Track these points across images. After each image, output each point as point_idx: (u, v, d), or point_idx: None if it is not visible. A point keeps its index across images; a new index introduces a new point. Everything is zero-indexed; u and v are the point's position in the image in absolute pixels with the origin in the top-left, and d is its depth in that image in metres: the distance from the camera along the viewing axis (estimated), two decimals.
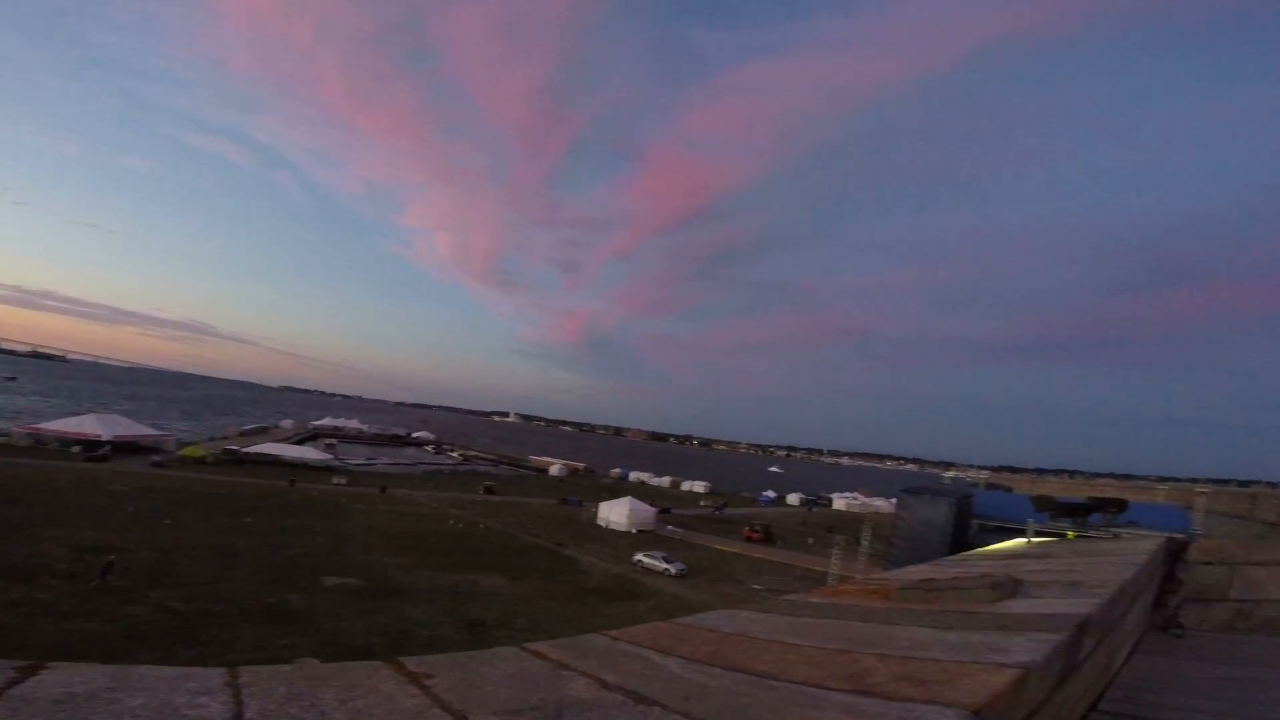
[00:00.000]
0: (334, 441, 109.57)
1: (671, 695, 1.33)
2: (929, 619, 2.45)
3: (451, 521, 49.68)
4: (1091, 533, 8.30)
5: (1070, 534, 8.26)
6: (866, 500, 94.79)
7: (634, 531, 55.06)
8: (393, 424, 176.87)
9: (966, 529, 20.95)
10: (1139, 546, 6.11)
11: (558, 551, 44.09)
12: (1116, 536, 7.55)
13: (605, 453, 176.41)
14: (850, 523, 61.61)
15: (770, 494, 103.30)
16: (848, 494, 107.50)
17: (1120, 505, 9.61)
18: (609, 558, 44.26)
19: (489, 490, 72.80)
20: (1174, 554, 7.30)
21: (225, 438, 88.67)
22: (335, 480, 64.53)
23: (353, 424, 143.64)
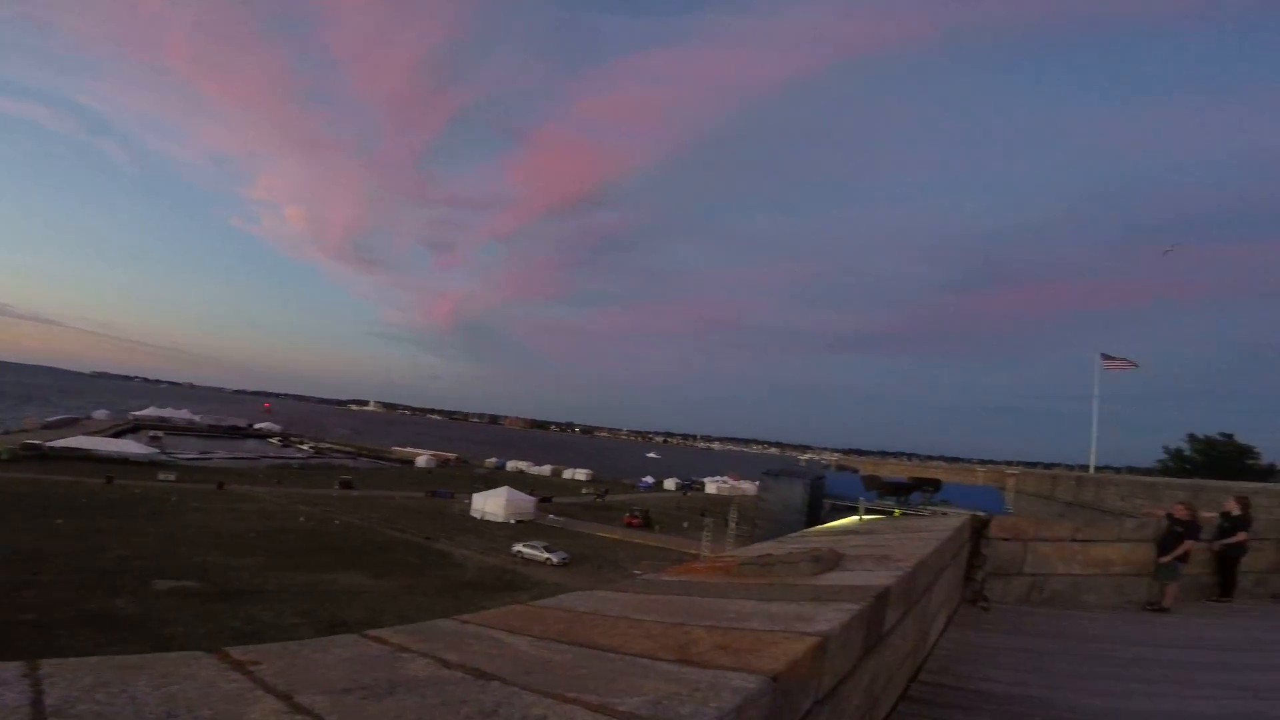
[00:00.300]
0: (160, 434, 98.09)
1: (514, 670, 1.42)
2: (758, 592, 2.74)
3: (302, 519, 46.26)
4: (912, 510, 9.31)
5: (897, 511, 9.23)
6: (735, 484, 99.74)
7: (512, 522, 54.25)
8: (231, 414, 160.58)
9: (820, 508, 22.83)
10: (946, 524, 6.71)
11: (428, 546, 42.49)
12: (932, 514, 8.44)
13: (480, 442, 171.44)
14: (721, 506, 64.75)
15: (649, 480, 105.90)
16: (718, 478, 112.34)
17: (936, 485, 10.88)
18: (485, 550, 43.35)
19: (346, 485, 68.66)
20: (978, 531, 7.92)
21: (24, 430, 76.36)
22: (162, 476, 57.98)
23: (182, 414, 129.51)
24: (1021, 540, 8.29)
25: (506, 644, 1.74)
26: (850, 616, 2.19)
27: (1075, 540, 8.49)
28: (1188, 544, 7.96)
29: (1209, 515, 8.72)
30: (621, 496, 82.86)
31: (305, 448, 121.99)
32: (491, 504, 56.74)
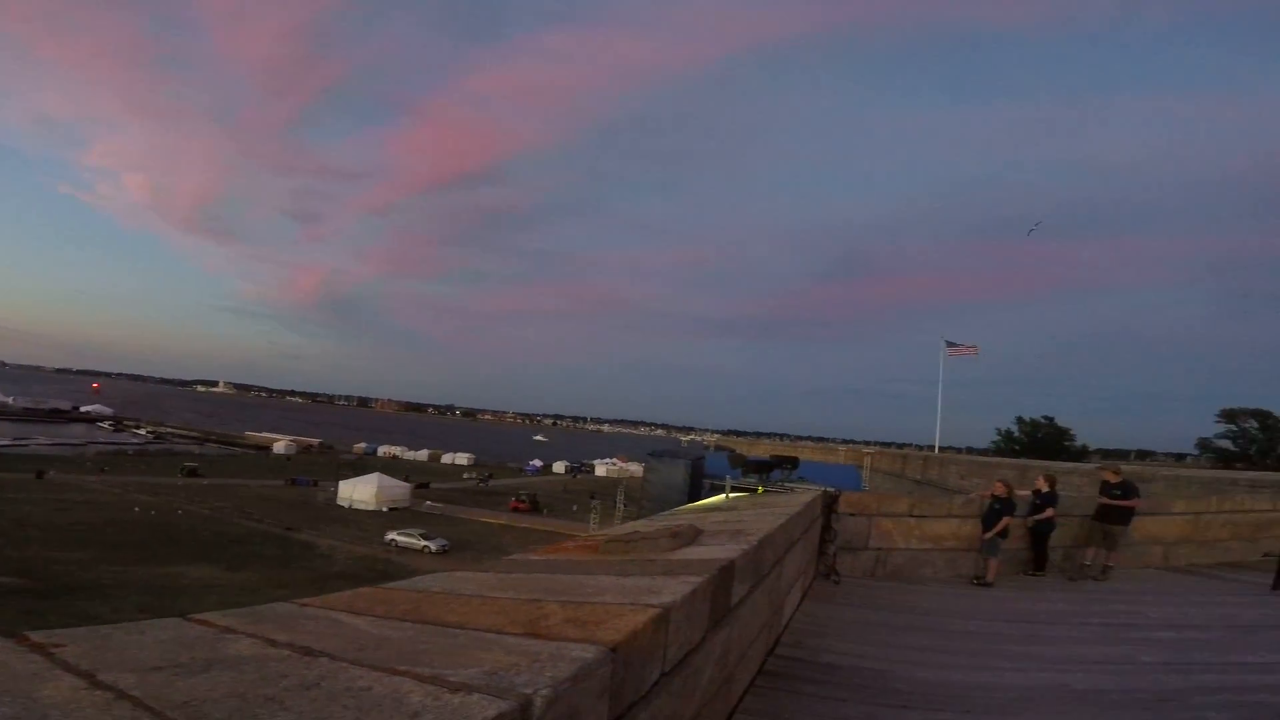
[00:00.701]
0: None
1: (345, 648, 1.41)
2: (619, 568, 2.86)
3: (138, 509, 41.58)
4: (773, 487, 9.74)
5: (760, 489, 9.62)
6: (624, 465, 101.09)
7: (385, 510, 51.83)
8: (53, 395, 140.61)
9: (700, 487, 23.69)
10: (798, 499, 6.92)
11: (289, 537, 39.69)
12: (790, 490, 8.81)
13: (347, 427, 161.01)
14: (610, 488, 65.45)
15: (537, 463, 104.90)
16: (608, 460, 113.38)
17: (794, 462, 11.58)
18: (355, 539, 41.20)
19: (191, 472, 62.83)
20: (829, 507, 8.17)
21: None
22: None
23: None
24: (866, 515, 8.65)
25: (345, 624, 1.71)
26: (692, 589, 2.30)
27: (912, 516, 8.83)
28: (1005, 520, 8.46)
29: (1023, 493, 9.22)
30: (507, 481, 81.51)
31: (142, 432, 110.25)
32: (361, 491, 53.89)
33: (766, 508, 5.73)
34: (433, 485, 68.37)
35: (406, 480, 62.62)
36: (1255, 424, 46.78)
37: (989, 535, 8.42)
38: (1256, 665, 5.29)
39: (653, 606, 2.01)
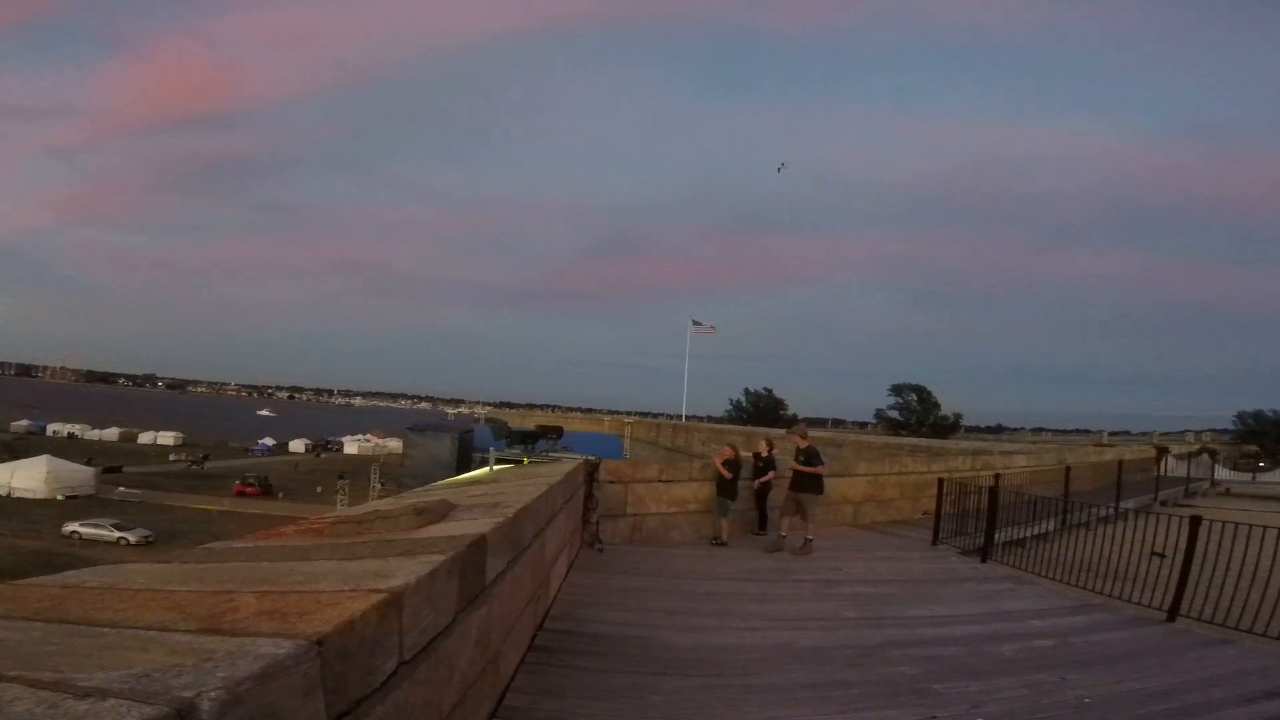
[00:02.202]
0: None
1: None
2: (346, 550, 2.49)
3: None
4: (539, 458, 9.72)
5: (526, 460, 9.51)
6: (380, 441, 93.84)
7: (60, 498, 41.96)
8: None
9: (469, 461, 22.87)
10: (560, 469, 6.90)
11: None
12: (556, 460, 8.81)
13: (2, 400, 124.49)
14: (364, 466, 60.22)
15: (269, 442, 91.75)
16: (361, 436, 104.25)
17: (559, 432, 11.72)
18: (20, 533, 33.23)
19: None
20: (590, 475, 8.28)
21: None
22: None
23: None
24: (623, 482, 8.92)
25: None
26: (431, 569, 2.09)
27: (661, 481, 9.20)
28: (771, 474, 9.28)
29: (747, 454, 9.79)
30: (231, 463, 70.25)
31: None
32: (24, 477, 42.86)
33: (529, 478, 5.60)
34: (126, 469, 56.26)
35: (90, 464, 50.72)
36: (915, 398, 60.15)
37: (757, 486, 9.42)
38: (929, 619, 6.01)
39: (379, 591, 1.78)
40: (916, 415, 58.85)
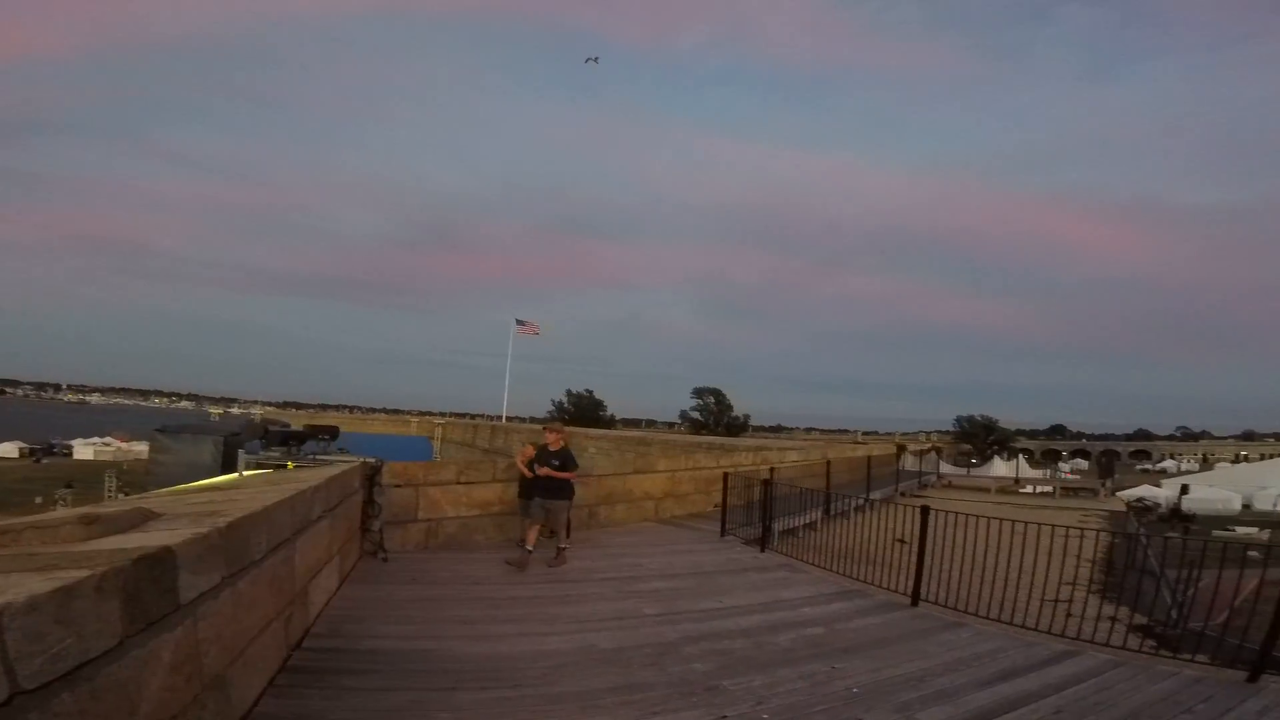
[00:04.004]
0: None
1: None
2: None
3: None
4: (307, 461, 8.75)
5: (290, 464, 8.52)
6: (125, 445, 78.42)
7: None
8: None
9: (234, 470, 20.02)
10: (321, 473, 6.25)
11: None
12: (326, 464, 7.95)
13: None
14: (99, 473, 49.70)
15: None
16: (97, 439, 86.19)
17: (333, 432, 10.63)
18: None
19: None
20: (370, 478, 7.63)
21: None
22: None
23: None
24: (413, 486, 8.37)
25: None
26: (59, 586, 1.76)
27: (460, 483, 8.75)
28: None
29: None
30: None
31: None
32: None
33: (284, 484, 4.97)
34: None
35: None
36: (713, 399, 65.47)
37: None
38: (719, 611, 6.27)
39: None
40: (714, 415, 64.17)
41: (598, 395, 70.17)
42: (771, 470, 10.54)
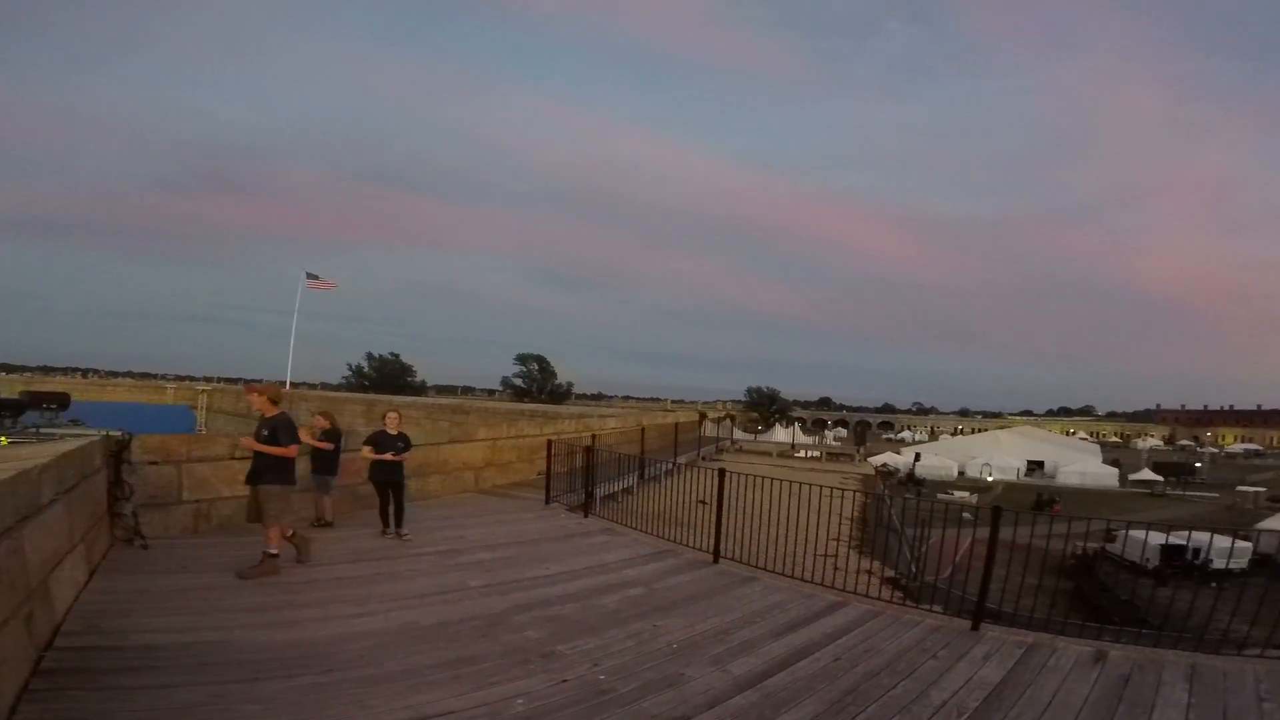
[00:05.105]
0: None
1: None
2: None
3: None
4: (25, 436, 7.23)
5: (3, 440, 6.93)
6: None
7: None
8: None
9: None
10: (47, 450, 5.27)
11: None
12: (54, 439, 6.61)
13: None
14: None
15: None
16: None
17: (62, 400, 8.88)
18: None
19: None
20: (116, 455, 6.62)
21: None
22: None
23: None
24: (175, 463, 7.30)
25: None
26: None
27: (237, 459, 7.57)
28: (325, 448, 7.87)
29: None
30: None
31: None
32: None
33: None
34: None
35: None
36: (537, 367, 65.10)
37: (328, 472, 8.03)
38: (547, 577, 6.35)
39: None
40: (537, 383, 63.96)
41: (405, 359, 65.78)
42: (594, 437, 10.83)
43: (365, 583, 5.96)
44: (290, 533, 6.40)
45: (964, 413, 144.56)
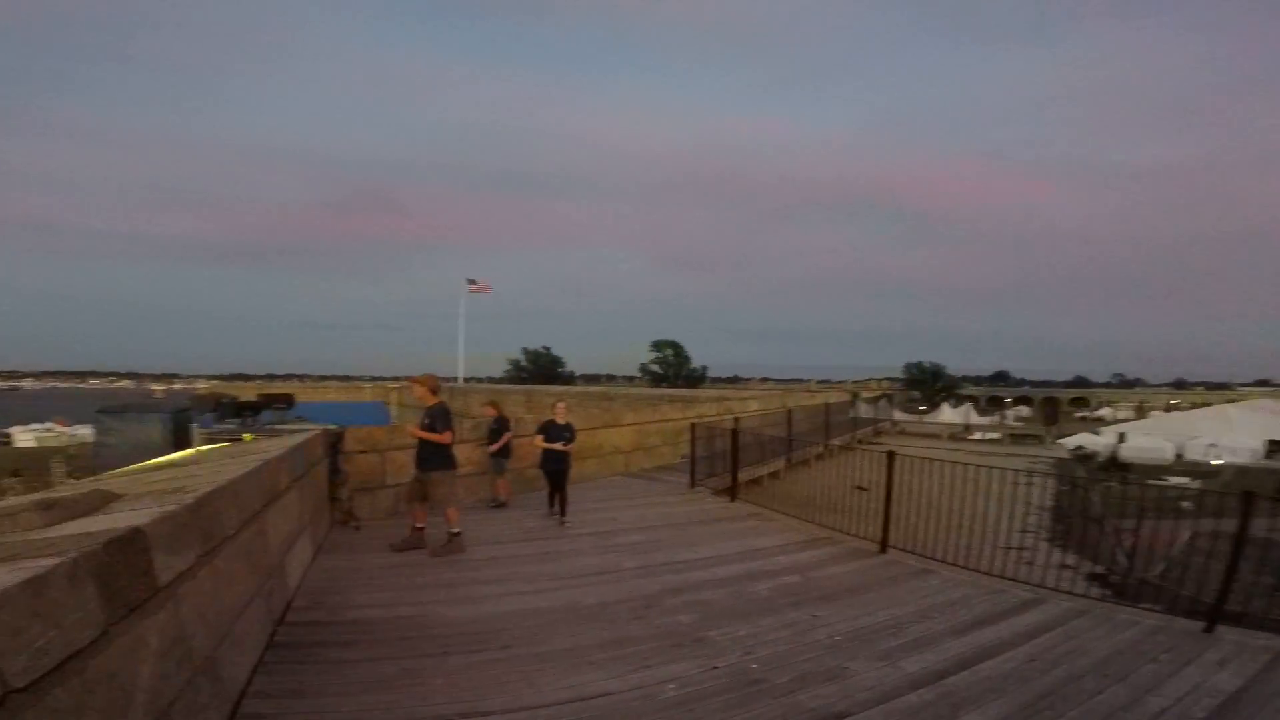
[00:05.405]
0: None
1: None
2: None
3: None
4: (265, 431, 8.53)
5: (248, 436, 8.26)
6: (66, 429, 74.36)
7: None
8: None
9: (188, 445, 19.28)
10: (281, 442, 6.04)
11: None
12: (285, 433, 7.74)
13: None
14: (45, 459, 47.05)
15: None
16: (37, 425, 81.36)
17: (289, 401, 10.36)
18: None
19: None
20: (333, 446, 7.40)
21: None
22: None
23: None
24: (378, 451, 8.18)
25: None
26: (27, 578, 1.65)
27: None
28: (506, 437, 8.74)
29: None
30: None
31: None
32: None
33: (246, 455, 4.81)
34: None
35: None
36: (672, 352, 65.83)
37: (493, 450, 8.76)
38: (697, 561, 6.37)
39: None
40: (673, 369, 64.67)
41: (555, 352, 69.57)
42: (736, 420, 10.70)
43: (535, 560, 6.35)
44: (458, 530, 6.67)
45: (1180, 384, 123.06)
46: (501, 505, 8.82)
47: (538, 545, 7.00)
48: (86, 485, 3.53)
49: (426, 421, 6.62)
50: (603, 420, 12.88)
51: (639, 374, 69.09)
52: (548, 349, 69.61)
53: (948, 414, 45.42)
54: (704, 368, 68.52)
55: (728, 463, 10.04)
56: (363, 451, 8.02)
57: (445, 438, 6.61)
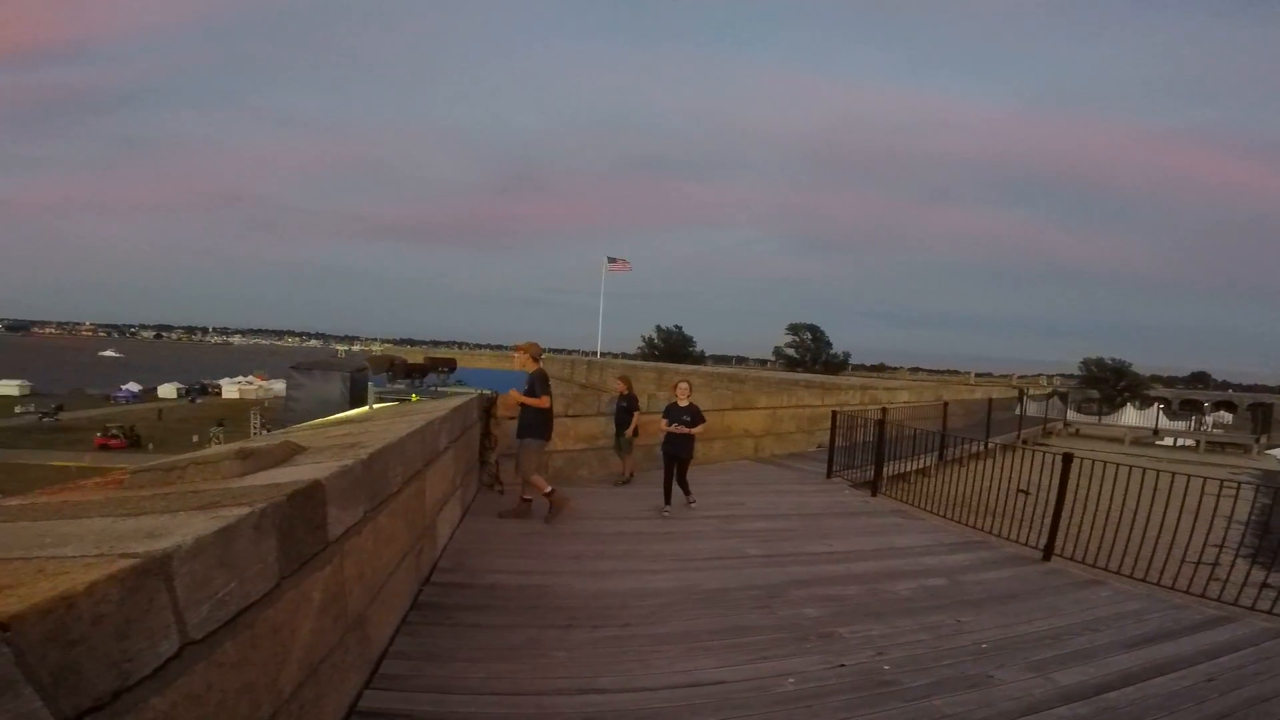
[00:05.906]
0: None
1: None
2: (133, 505, 1.92)
3: None
4: (429, 393, 9.03)
5: (414, 397, 8.80)
6: (264, 383, 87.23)
7: None
8: None
9: (364, 402, 21.58)
10: (444, 404, 6.19)
11: None
12: (444, 395, 8.10)
13: None
14: (244, 411, 55.66)
15: (134, 388, 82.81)
16: (242, 378, 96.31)
17: (451, 365, 10.92)
18: None
19: None
20: (487, 410, 7.62)
21: None
22: None
23: None
24: None
25: None
26: (223, 526, 1.60)
27: (568, 416, 8.68)
28: (635, 416, 8.61)
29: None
30: (91, 412, 62.99)
31: None
32: None
33: (410, 415, 4.98)
34: None
35: None
36: (810, 336, 63.28)
37: (630, 431, 8.66)
38: (828, 555, 6.01)
39: (130, 557, 1.32)
40: (811, 353, 62.16)
41: (687, 331, 69.60)
42: (883, 410, 9.88)
43: (658, 539, 6.22)
44: (549, 489, 6.64)
45: None
46: (627, 482, 8.80)
47: (661, 524, 6.87)
48: (278, 436, 3.74)
49: (526, 388, 6.65)
50: (732, 402, 12.50)
51: (772, 357, 67.32)
52: (679, 328, 69.80)
53: (1131, 416, 39.75)
54: (846, 354, 65.29)
55: (870, 455, 9.33)
56: (511, 418, 8.18)
57: (543, 401, 6.60)
